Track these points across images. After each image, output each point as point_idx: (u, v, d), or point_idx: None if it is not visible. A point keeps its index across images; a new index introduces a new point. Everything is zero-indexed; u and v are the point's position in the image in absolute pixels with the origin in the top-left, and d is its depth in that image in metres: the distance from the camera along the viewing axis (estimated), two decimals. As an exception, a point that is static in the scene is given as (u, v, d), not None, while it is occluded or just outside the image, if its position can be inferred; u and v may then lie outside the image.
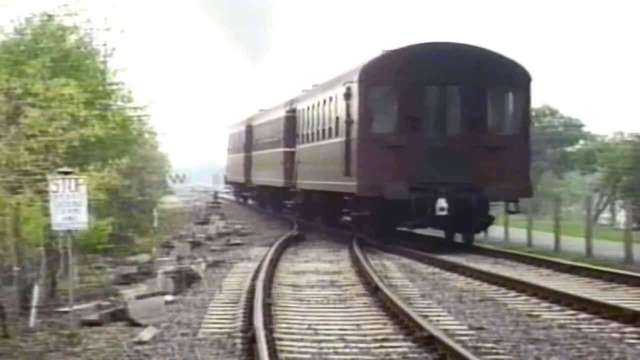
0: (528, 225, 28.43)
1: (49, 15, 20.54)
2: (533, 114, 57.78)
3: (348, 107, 25.65)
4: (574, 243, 25.75)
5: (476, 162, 24.13)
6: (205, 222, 38.34)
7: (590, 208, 29.55)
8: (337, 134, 26.95)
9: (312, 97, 31.92)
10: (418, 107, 24.45)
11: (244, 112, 59.29)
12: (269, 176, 39.97)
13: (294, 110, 34.86)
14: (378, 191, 23.92)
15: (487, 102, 24.81)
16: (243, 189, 52.97)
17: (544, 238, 27.48)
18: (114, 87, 23.15)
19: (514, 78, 25.12)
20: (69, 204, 12.87)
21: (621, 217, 37.08)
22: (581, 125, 58.54)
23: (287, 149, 35.34)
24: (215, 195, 61.43)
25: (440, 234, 27.49)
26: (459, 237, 26.39)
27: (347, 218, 27.97)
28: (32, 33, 20.40)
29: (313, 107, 31.02)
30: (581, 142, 57.91)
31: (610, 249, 24.55)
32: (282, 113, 37.12)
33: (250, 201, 53.67)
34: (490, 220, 26.03)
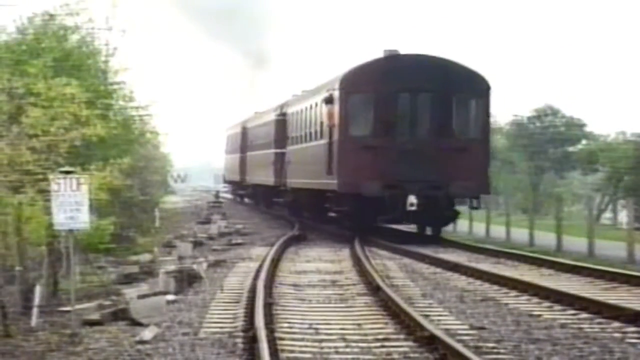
0: (530, 225, 28.44)
1: (51, 15, 20.52)
2: (535, 113, 58.47)
3: (330, 112, 28.25)
4: (576, 243, 25.77)
5: (442, 163, 26.62)
6: (207, 221, 38.36)
7: (592, 208, 29.58)
8: (321, 137, 29.51)
9: (300, 102, 34.62)
10: (391, 113, 27.04)
11: (244, 113, 61.18)
12: (262, 175, 42.48)
13: (284, 114, 37.30)
14: (356, 188, 26.50)
15: (452, 108, 27.39)
16: (239, 187, 55.68)
17: (545, 238, 27.48)
18: (116, 86, 23.14)
19: (475, 87, 27.85)
20: (71, 204, 12.85)
21: (623, 217, 37.07)
22: (583, 125, 58.57)
23: (278, 150, 37.67)
24: (217, 195, 61.76)
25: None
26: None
27: (332, 214, 30.33)
28: (34, 33, 20.38)
29: (301, 111, 33.62)
30: (583, 142, 57.93)
31: (612, 248, 24.55)
32: (273, 116, 39.62)
33: (246, 199, 55.84)
34: (455, 215, 28.57)
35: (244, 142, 50.00)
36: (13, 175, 13.50)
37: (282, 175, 36.51)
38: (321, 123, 29.55)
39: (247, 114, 53.28)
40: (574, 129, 57.96)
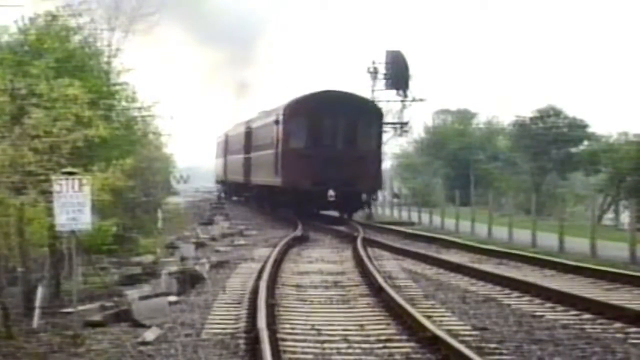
0: (532, 226, 28.41)
1: (53, 16, 20.48)
2: (537, 114, 58.43)
3: (277, 130, 39.10)
4: (578, 244, 25.73)
5: (352, 167, 36.65)
6: (210, 222, 38.35)
7: (594, 209, 29.52)
8: (271, 147, 40.12)
9: (259, 120, 46.71)
10: (318, 132, 37.76)
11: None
12: (236, 175, 53.89)
13: (250, 128, 49.11)
14: (294, 185, 37.05)
15: (358, 128, 38.16)
16: (223, 184, 67.54)
17: (548, 239, 27.45)
18: (118, 87, 23.09)
19: (372, 113, 39.61)
20: (73, 205, 12.84)
21: (625, 217, 37.01)
22: (585, 126, 58.47)
23: (246, 155, 48.98)
24: (219, 196, 61.87)
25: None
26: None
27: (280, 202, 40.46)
28: (36, 33, 20.34)
29: (260, 127, 45.42)
30: (585, 142, 57.83)
31: (614, 249, 24.51)
32: (243, 129, 51.34)
33: (234, 197, 63.54)
34: (361, 205, 39.49)
35: (226, 148, 60.98)
36: (15, 176, 13.48)
37: (249, 174, 47.95)
38: (272, 137, 40.17)
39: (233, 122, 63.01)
40: (576, 130, 57.89)
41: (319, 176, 36.40)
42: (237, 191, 58.94)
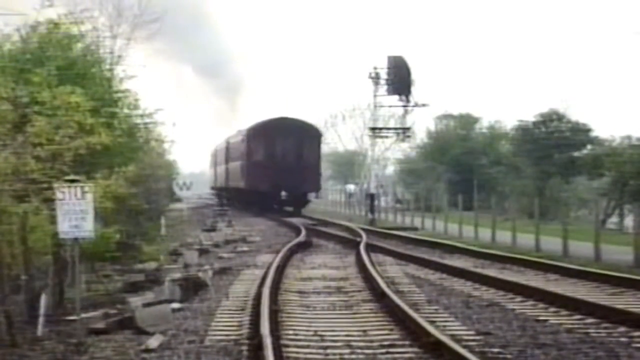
0: (536, 231, 28.37)
1: (55, 24, 20.49)
2: (540, 119, 58.43)
3: (243, 146, 52.97)
4: (582, 248, 25.69)
5: (299, 174, 49.68)
6: (213, 229, 38.35)
7: (598, 212, 29.48)
8: (239, 159, 54.23)
9: (234, 137, 59.60)
10: (273, 148, 51.29)
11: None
12: (221, 181, 67.33)
13: (228, 143, 61.86)
14: (255, 187, 51.11)
15: (303, 145, 51.40)
16: (214, 189, 79.16)
17: (552, 243, 27.40)
18: (120, 94, 23.09)
19: (314, 134, 53.26)
20: (76, 212, 12.84)
21: (629, 221, 36.95)
22: (588, 130, 58.38)
23: (226, 165, 61.81)
24: (222, 203, 61.93)
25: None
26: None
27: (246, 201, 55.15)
28: (38, 41, 20.34)
29: (234, 143, 58.39)
30: (589, 146, 57.74)
31: (618, 253, 24.48)
32: (224, 143, 64.31)
33: (220, 199, 73.02)
34: (306, 202, 53.73)
35: (216, 159, 72.30)
36: (18, 184, 13.49)
37: (228, 180, 60.92)
38: (240, 152, 53.76)
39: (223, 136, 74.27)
40: (579, 134, 57.81)
41: (274, 181, 49.49)
42: (223, 195, 69.99)
